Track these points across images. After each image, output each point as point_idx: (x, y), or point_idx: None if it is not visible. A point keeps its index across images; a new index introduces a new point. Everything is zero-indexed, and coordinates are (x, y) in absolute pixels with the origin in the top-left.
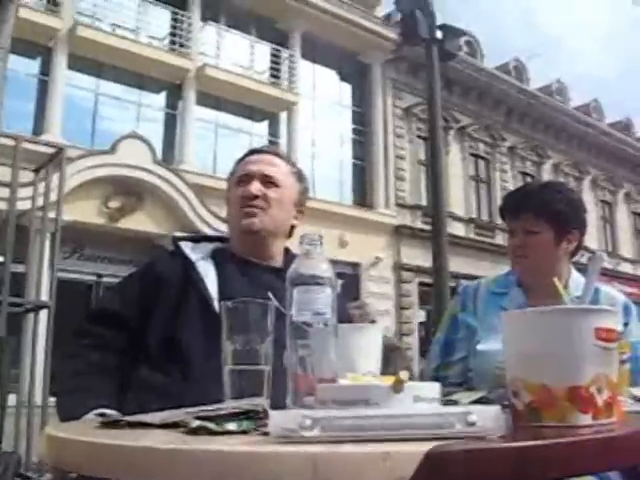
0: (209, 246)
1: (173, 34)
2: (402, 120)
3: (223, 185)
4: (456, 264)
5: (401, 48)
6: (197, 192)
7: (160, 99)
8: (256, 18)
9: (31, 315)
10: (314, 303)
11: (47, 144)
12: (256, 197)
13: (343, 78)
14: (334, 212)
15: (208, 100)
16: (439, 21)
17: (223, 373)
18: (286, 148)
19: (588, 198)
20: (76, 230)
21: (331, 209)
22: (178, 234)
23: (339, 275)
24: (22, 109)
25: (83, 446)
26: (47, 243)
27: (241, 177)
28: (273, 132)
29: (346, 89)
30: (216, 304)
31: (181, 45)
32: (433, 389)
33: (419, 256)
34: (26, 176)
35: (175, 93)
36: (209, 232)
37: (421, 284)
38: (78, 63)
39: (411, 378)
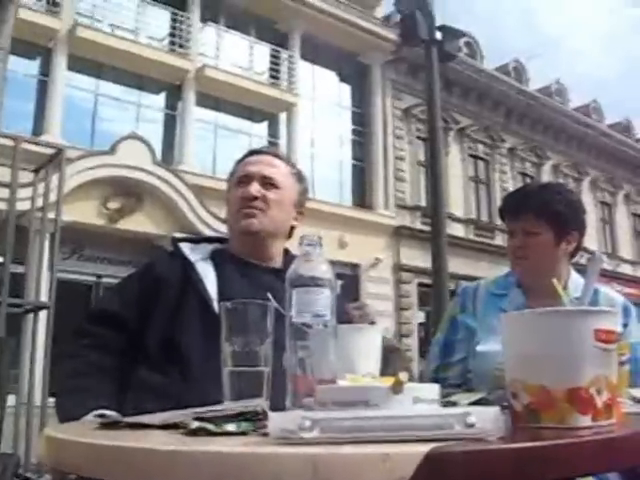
0: (208, 247)
1: (172, 35)
2: (402, 121)
3: (223, 186)
4: (455, 265)
5: (401, 49)
6: (197, 193)
7: (160, 100)
8: (255, 19)
9: (30, 316)
10: (314, 304)
11: (47, 145)
12: (255, 198)
13: (342, 79)
14: (334, 213)
15: (208, 101)
16: (439, 22)
17: (222, 374)
18: (285, 149)
19: (587, 199)
20: (76, 231)
21: (331, 210)
22: (177, 235)
23: (339, 276)
24: (22, 109)
25: (82, 447)
26: (47, 244)
27: (240, 178)
28: (272, 133)
29: (345, 90)
30: (215, 305)
31: (180, 46)
32: (432, 390)
33: (418, 257)
34: (26, 177)
35: (175, 94)
36: (208, 233)
37: (420, 285)
38: (78, 64)
39: (410, 379)
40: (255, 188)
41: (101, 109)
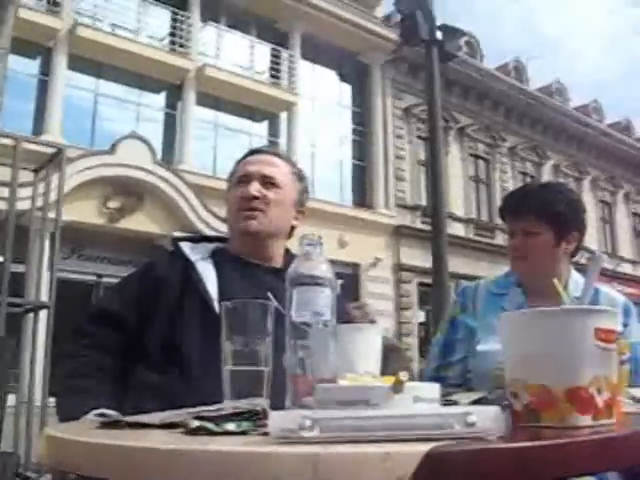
0: (209, 246)
1: (173, 34)
2: (402, 120)
3: (223, 185)
4: (456, 264)
5: (401, 49)
6: (197, 192)
7: (160, 99)
8: (256, 18)
9: (31, 315)
10: (314, 303)
11: (47, 144)
12: (255, 198)
13: (343, 78)
14: (334, 212)
15: (208, 100)
16: (439, 21)
17: (223, 373)
18: (286, 148)
19: (588, 199)
20: (76, 230)
21: (331, 209)
22: (178, 234)
23: (339, 275)
24: (22, 109)
25: (82, 446)
26: (47, 243)
27: (240, 177)
28: (273, 132)
29: (346, 89)
30: (216, 304)
31: (181, 45)
32: (433, 390)
33: (419, 256)
34: (26, 176)
35: (175, 93)
36: (209, 232)
37: (421, 284)
38: (78, 63)
39: (411, 379)
40: (255, 188)
41: (101, 108)
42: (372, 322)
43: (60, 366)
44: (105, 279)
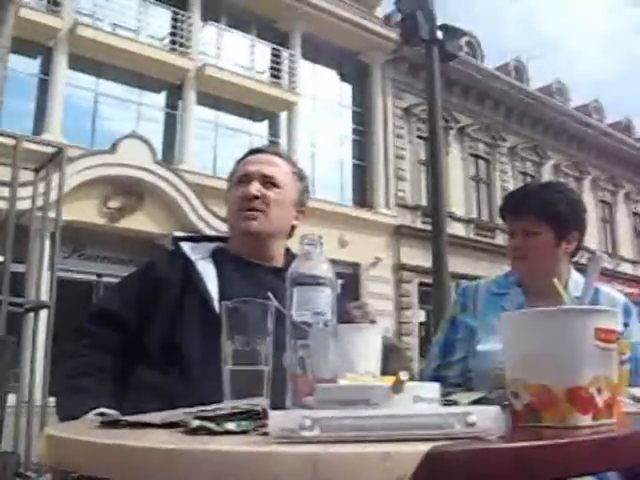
0: (209, 246)
1: (173, 34)
2: (402, 120)
3: (223, 185)
4: (456, 264)
5: (401, 48)
6: (197, 192)
7: (160, 99)
8: (256, 18)
9: (31, 315)
10: (314, 302)
11: (47, 144)
12: (256, 198)
13: (343, 78)
14: (334, 212)
15: (208, 100)
16: (439, 21)
17: (223, 373)
18: (286, 148)
19: (588, 198)
20: (76, 230)
21: (331, 209)
22: (178, 234)
23: (339, 275)
24: (22, 109)
25: (83, 446)
26: (47, 243)
27: (241, 177)
28: (273, 132)
29: (346, 89)
30: (216, 304)
31: (181, 45)
32: (433, 389)
33: (419, 256)
34: (26, 176)
35: (175, 93)
36: (209, 232)
37: (421, 284)
38: (78, 63)
39: (411, 378)
40: (255, 187)
41: (102, 108)
42: (372, 322)
43: (60, 366)
44: (105, 279)
